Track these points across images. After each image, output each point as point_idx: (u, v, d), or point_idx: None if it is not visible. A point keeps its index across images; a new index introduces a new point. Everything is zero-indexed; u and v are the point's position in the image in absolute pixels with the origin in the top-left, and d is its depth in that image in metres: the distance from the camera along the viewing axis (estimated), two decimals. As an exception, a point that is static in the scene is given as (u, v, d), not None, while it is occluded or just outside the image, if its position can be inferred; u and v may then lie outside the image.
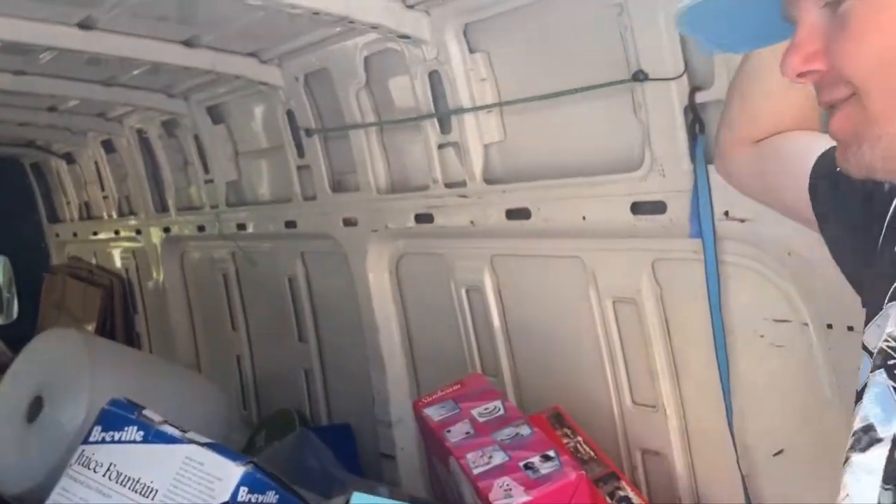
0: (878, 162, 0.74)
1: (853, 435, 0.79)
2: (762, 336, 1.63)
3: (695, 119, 1.58)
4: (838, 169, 0.82)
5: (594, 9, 1.71)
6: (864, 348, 0.88)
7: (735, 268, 1.64)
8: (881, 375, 0.78)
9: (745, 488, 1.65)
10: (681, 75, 1.59)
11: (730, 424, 1.64)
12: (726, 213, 1.58)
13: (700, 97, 1.57)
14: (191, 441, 1.55)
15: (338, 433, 2.80)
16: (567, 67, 1.86)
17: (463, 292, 2.34)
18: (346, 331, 2.82)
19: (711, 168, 1.58)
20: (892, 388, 0.77)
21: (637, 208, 1.74)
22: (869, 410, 0.78)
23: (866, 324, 0.90)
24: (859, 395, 0.85)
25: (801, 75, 0.77)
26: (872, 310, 0.89)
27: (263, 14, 2.07)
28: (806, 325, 1.54)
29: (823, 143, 1.08)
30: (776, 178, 1.18)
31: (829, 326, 1.49)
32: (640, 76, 1.64)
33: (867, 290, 0.96)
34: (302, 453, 2.60)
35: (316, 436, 2.62)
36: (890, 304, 0.84)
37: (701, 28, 0.86)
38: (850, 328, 1.44)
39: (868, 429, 0.77)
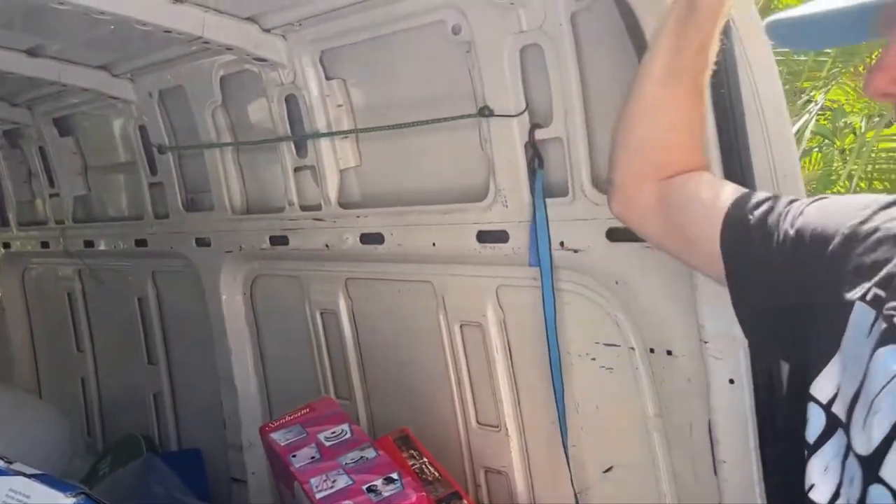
0: None
1: None
2: (594, 359, 1.74)
3: (534, 154, 1.68)
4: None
5: (445, 45, 1.77)
6: (814, 399, 0.91)
7: (571, 295, 1.74)
8: None
9: (577, 504, 1.75)
10: (522, 113, 1.68)
11: (564, 443, 1.73)
12: (562, 244, 1.68)
13: (539, 134, 1.67)
14: (17, 472, 1.48)
15: (186, 458, 2.73)
16: (421, 98, 1.92)
17: (317, 315, 2.34)
18: (197, 353, 2.76)
19: (549, 201, 1.68)
20: None
21: (482, 237, 1.82)
22: None
23: (811, 378, 0.92)
24: (814, 448, 0.88)
25: (885, 95, 0.82)
26: (815, 363, 0.92)
27: (114, 28, 2.01)
28: (632, 349, 1.66)
29: (731, 189, 1.13)
30: (691, 214, 1.16)
31: (652, 351, 1.61)
32: (485, 112, 1.72)
33: (806, 343, 0.97)
34: (147, 480, 2.51)
35: (163, 462, 2.54)
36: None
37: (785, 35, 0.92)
38: (669, 352, 1.57)
39: None
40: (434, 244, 1.92)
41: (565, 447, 1.73)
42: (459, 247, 1.87)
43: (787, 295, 0.99)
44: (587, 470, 1.79)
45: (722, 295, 1.13)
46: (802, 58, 4.43)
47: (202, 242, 2.56)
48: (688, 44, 1.13)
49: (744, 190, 1.12)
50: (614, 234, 1.60)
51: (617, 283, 1.63)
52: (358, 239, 2.09)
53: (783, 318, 1.00)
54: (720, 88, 1.29)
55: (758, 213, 1.05)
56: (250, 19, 1.98)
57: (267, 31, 2.00)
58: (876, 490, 0.79)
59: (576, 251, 1.66)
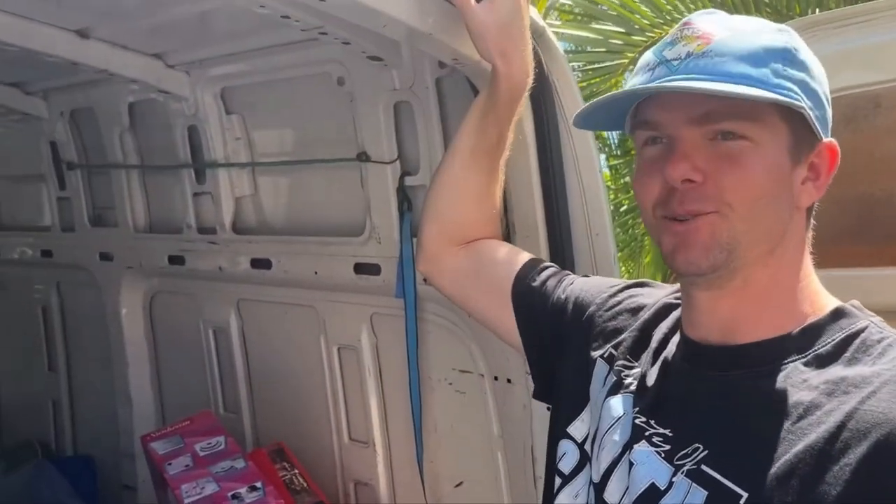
0: (721, 266, 0.92)
1: None
2: (451, 384, 1.94)
3: (403, 199, 1.87)
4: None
5: (332, 94, 1.95)
6: (570, 437, 1.09)
7: (433, 325, 1.94)
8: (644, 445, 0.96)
9: (431, 515, 1.94)
10: (394, 161, 1.87)
11: (419, 460, 1.91)
12: (426, 280, 1.87)
13: (409, 181, 1.86)
14: None
15: (78, 465, 2.81)
16: (311, 138, 2.10)
17: (210, 332, 2.48)
18: (97, 363, 2.85)
19: (415, 240, 1.87)
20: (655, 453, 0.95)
21: (359, 268, 2.00)
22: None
23: (570, 419, 1.09)
24: (568, 478, 1.06)
25: (684, 181, 0.91)
26: (574, 407, 1.10)
27: (25, 53, 2.13)
28: (482, 375, 1.86)
29: (520, 253, 1.32)
30: (487, 277, 1.32)
31: (496, 378, 1.81)
32: (363, 157, 1.91)
33: (565, 390, 1.15)
34: (38, 486, 2.60)
35: (55, 467, 2.63)
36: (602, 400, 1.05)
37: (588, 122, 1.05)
38: (509, 380, 1.77)
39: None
40: (316, 272, 2.09)
41: (420, 463, 1.92)
42: (339, 276, 2.04)
43: (555, 349, 1.19)
44: (441, 484, 1.98)
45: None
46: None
47: (105, 257, 2.67)
48: (488, 132, 1.32)
49: (532, 257, 1.32)
50: (468, 274, 1.80)
51: (470, 315, 1.82)
52: (249, 263, 2.24)
53: (554, 368, 1.19)
54: (547, 160, 1.51)
55: (540, 277, 1.25)
56: (156, 56, 2.12)
57: (171, 66, 2.15)
58: None
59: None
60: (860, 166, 1.30)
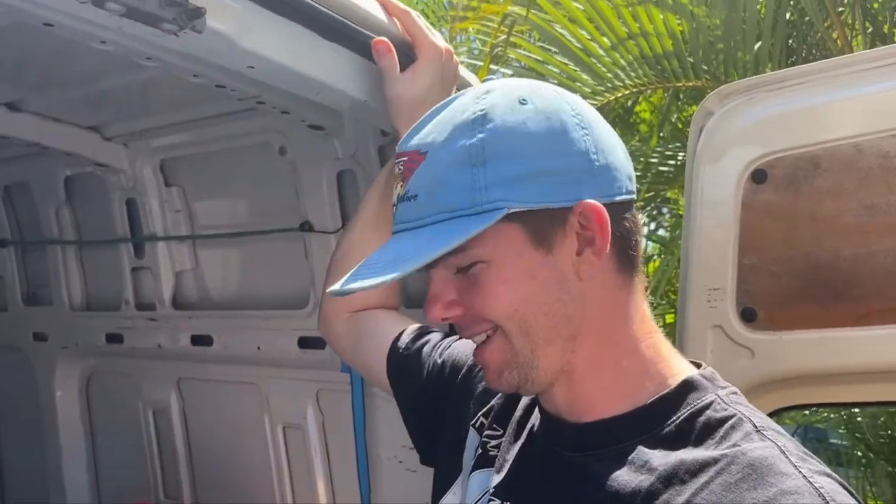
0: (522, 382, 0.90)
1: None
2: (400, 462, 1.85)
3: (348, 269, 1.82)
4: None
5: (274, 163, 1.91)
6: None
7: (381, 399, 1.85)
8: None
9: None
10: (338, 230, 1.82)
11: (368, 542, 1.81)
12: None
13: (353, 250, 1.81)
14: None
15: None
16: (252, 209, 2.05)
17: (150, 414, 2.36)
18: (29, 448, 2.69)
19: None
20: None
21: (304, 342, 1.93)
22: None
23: (443, 491, 1.07)
24: None
25: (444, 319, 0.91)
26: (448, 478, 1.08)
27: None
28: (432, 452, 1.78)
29: (402, 323, 1.31)
30: (366, 347, 1.34)
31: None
32: (305, 227, 1.86)
33: (443, 458, 1.13)
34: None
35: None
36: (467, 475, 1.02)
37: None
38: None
39: None
40: (259, 348, 2.01)
41: (369, 545, 1.82)
42: (282, 351, 1.96)
43: (436, 417, 1.16)
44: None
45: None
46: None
47: (39, 337, 2.55)
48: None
49: (412, 325, 1.29)
50: (415, 345, 1.74)
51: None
52: (189, 340, 2.15)
53: (429, 440, 1.18)
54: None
55: (415, 346, 1.24)
56: (91, 128, 2.07)
57: (108, 139, 2.10)
58: None
59: (383, 359, 1.79)
60: (804, 227, 1.29)
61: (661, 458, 0.83)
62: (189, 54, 1.14)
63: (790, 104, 1.29)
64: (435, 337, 1.25)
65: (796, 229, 1.30)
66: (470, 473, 1.00)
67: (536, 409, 0.99)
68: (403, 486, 1.85)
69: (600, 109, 4.50)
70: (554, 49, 3.44)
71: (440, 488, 1.09)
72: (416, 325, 1.32)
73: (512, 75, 4.23)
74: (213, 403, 2.24)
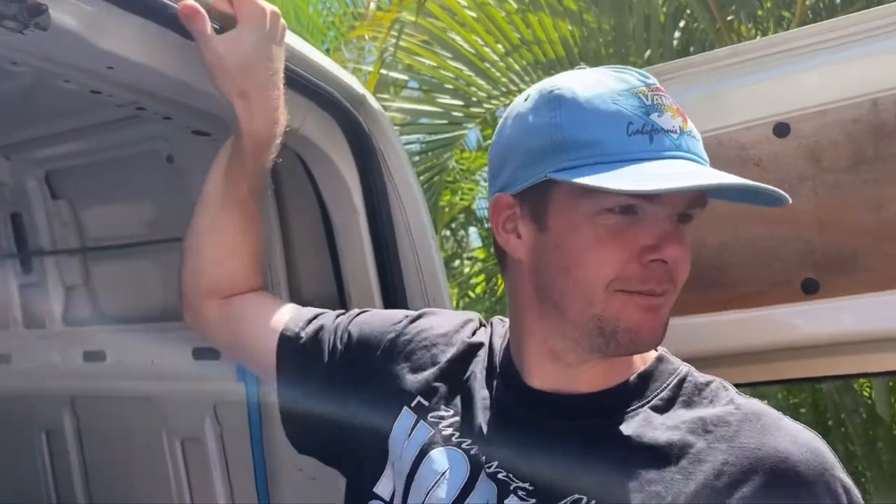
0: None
1: None
2: (301, 470, 1.83)
3: (240, 276, 1.79)
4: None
5: (163, 171, 1.88)
6: (377, 497, 1.02)
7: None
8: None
9: None
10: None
11: (268, 553, 1.79)
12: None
13: (245, 257, 1.79)
14: None
15: None
16: (145, 219, 2.00)
17: (43, 436, 2.27)
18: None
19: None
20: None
21: (198, 353, 1.89)
22: None
23: (375, 477, 1.02)
24: None
25: (662, 261, 0.89)
26: (376, 464, 1.03)
27: None
28: (331, 458, 1.77)
29: (279, 306, 1.26)
30: (245, 334, 1.27)
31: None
32: (192, 236, 1.83)
33: (361, 447, 1.07)
34: None
35: None
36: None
37: None
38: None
39: None
40: (153, 362, 1.96)
41: (270, 557, 1.79)
42: (177, 364, 1.92)
43: (339, 406, 1.12)
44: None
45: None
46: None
47: (-78, 361, 2.42)
48: (236, 182, 1.26)
49: (297, 308, 1.25)
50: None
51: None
52: (82, 357, 2.08)
53: (337, 429, 1.12)
54: (377, 221, 1.48)
55: (309, 329, 1.18)
56: (-31, 140, 1.99)
57: (-11, 151, 2.02)
58: None
59: (279, 366, 1.77)
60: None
61: (677, 416, 0.91)
62: (46, 56, 1.10)
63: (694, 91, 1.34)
64: (325, 319, 1.20)
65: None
66: (417, 454, 0.98)
67: (494, 387, 1.00)
68: (304, 494, 1.83)
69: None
70: (448, 54, 3.48)
71: (368, 477, 1.04)
72: (299, 309, 1.26)
73: (407, 80, 4.27)
74: (108, 421, 2.17)
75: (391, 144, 1.51)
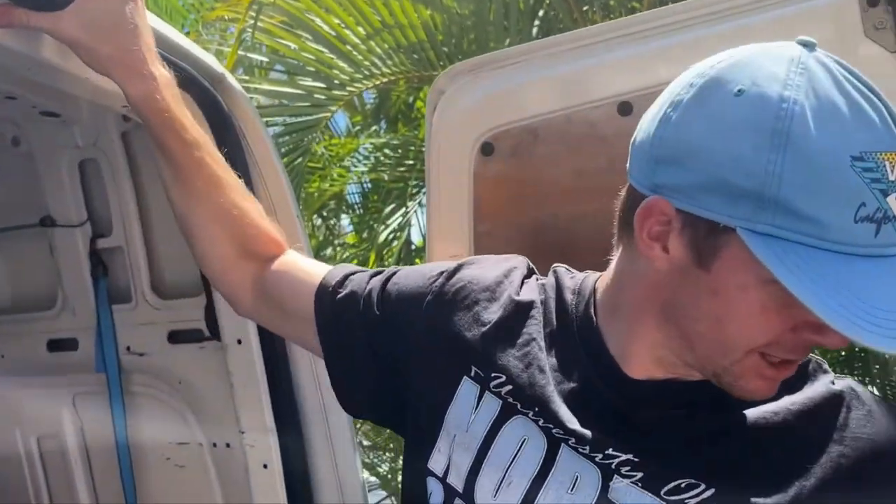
0: None
1: None
2: (168, 458, 1.80)
3: (98, 263, 1.73)
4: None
5: (8, 155, 1.77)
6: (431, 473, 0.93)
7: (143, 397, 1.79)
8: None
9: None
10: (84, 223, 1.73)
11: (135, 546, 1.74)
12: (128, 348, 1.74)
13: (102, 243, 1.74)
14: None
15: None
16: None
17: None
18: None
19: (115, 307, 1.74)
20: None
21: (53, 345, 1.82)
22: None
23: (429, 452, 0.93)
24: None
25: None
26: (429, 438, 0.94)
27: None
28: (201, 444, 1.74)
29: (320, 269, 1.11)
30: (280, 298, 1.13)
31: (214, 445, 1.71)
32: (47, 221, 1.75)
33: (415, 417, 0.98)
34: None
35: None
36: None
37: None
38: (228, 445, 1.68)
39: None
40: (3, 356, 1.86)
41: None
42: (30, 357, 1.83)
43: (386, 377, 1.02)
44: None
45: (254, 386, 1.39)
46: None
47: None
48: (177, 150, 1.11)
49: (331, 267, 1.13)
50: (175, 337, 1.70)
51: (180, 382, 1.72)
52: (-78, 354, 1.94)
53: (388, 398, 1.03)
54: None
55: (345, 292, 1.06)
56: None
57: None
58: None
59: (141, 354, 1.74)
60: (529, 194, 1.40)
61: (774, 404, 0.86)
62: None
63: (511, 81, 1.40)
64: (364, 276, 1.07)
65: (522, 196, 1.41)
66: (488, 427, 0.91)
67: (571, 357, 0.92)
68: (173, 483, 1.80)
69: (381, 103, 4.54)
70: (308, 36, 3.44)
71: (425, 450, 0.95)
72: (338, 266, 1.12)
73: (266, 63, 4.12)
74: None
75: (252, 123, 1.49)
